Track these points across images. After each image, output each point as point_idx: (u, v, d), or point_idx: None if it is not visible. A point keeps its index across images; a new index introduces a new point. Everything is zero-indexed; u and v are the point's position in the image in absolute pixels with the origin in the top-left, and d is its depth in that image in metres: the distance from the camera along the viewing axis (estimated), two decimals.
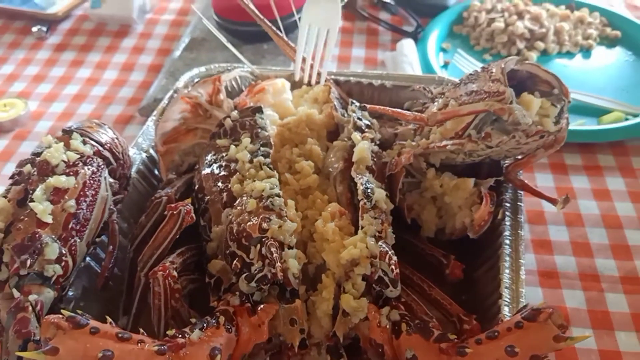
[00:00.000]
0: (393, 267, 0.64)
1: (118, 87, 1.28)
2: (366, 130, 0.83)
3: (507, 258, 0.72)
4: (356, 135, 0.79)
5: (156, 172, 0.92)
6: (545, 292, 0.86)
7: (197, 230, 0.77)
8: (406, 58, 1.32)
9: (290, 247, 0.66)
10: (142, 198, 0.86)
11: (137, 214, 0.83)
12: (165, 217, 0.72)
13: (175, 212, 0.71)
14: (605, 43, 1.43)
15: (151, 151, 0.93)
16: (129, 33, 1.44)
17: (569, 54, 1.40)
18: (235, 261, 0.65)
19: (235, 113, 0.83)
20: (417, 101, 0.90)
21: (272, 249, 0.64)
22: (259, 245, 0.65)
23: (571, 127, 1.05)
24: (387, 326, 0.62)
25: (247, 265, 0.64)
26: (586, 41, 1.41)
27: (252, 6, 1.02)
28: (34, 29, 1.43)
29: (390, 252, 0.65)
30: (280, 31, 1.01)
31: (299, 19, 0.95)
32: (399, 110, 0.78)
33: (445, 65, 1.36)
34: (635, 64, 1.36)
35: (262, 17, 0.99)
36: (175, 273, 0.66)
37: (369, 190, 0.72)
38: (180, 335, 0.56)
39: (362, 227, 0.67)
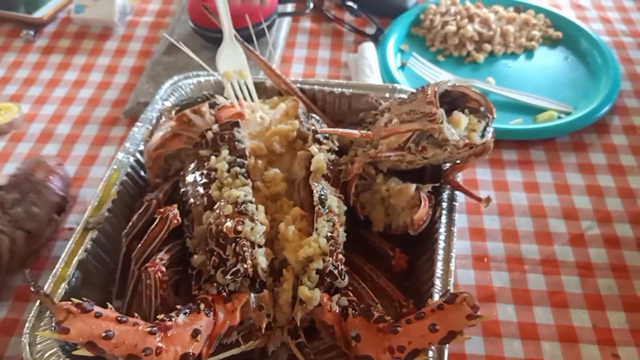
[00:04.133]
0: (339, 263, 0.75)
1: (103, 89, 1.34)
2: (324, 141, 0.96)
3: (441, 252, 0.83)
4: (314, 148, 0.88)
5: (143, 173, 0.99)
6: (476, 273, 1.01)
7: (182, 228, 0.84)
8: (366, 61, 1.45)
9: (259, 246, 0.75)
10: (132, 200, 0.94)
11: (127, 212, 0.92)
12: (154, 219, 0.86)
13: (163, 216, 0.83)
14: (547, 44, 1.57)
15: (138, 155, 0.99)
16: (111, 35, 1.49)
17: (514, 55, 1.54)
18: (213, 257, 0.74)
19: (215, 126, 0.91)
20: (370, 112, 1.01)
21: (245, 248, 0.73)
22: (233, 244, 0.74)
23: (508, 125, 1.22)
24: (337, 310, 0.72)
25: (223, 260, 0.73)
26: (529, 42, 1.55)
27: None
28: (22, 32, 1.46)
29: (338, 251, 0.76)
30: (252, 39, 1.11)
31: (267, 27, 1.07)
32: (347, 130, 0.89)
33: (402, 67, 1.49)
34: (572, 64, 1.50)
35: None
36: (163, 268, 0.78)
37: (323, 197, 0.82)
38: (168, 319, 0.66)
39: (316, 229, 0.77)
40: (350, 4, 1.63)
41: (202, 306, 0.74)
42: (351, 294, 0.75)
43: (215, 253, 0.76)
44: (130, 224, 0.87)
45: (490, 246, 1.03)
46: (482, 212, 1.11)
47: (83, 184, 1.10)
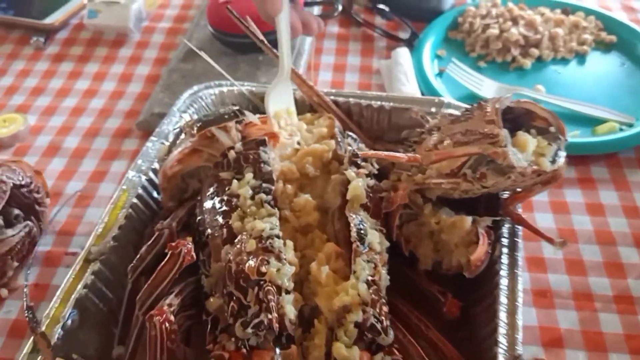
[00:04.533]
0: (383, 315, 0.65)
1: (116, 99, 1.25)
2: (362, 164, 0.83)
3: (504, 300, 0.72)
4: (350, 172, 0.78)
5: (155, 194, 0.90)
6: (539, 312, 0.87)
7: (197, 263, 0.77)
8: (401, 67, 1.32)
9: (287, 292, 0.65)
10: (142, 225, 0.84)
11: (136, 240, 0.82)
12: (165, 253, 0.73)
13: (175, 252, 0.71)
14: (600, 48, 1.42)
15: (151, 174, 0.91)
16: (126, 42, 1.43)
17: (564, 60, 1.40)
18: (232, 302, 0.65)
19: (239, 145, 0.81)
20: (415, 130, 0.88)
21: (270, 295, 0.64)
22: (256, 288, 0.65)
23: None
24: None
25: (244, 307, 0.64)
26: (581, 47, 1.40)
27: (250, 21, 1.01)
28: (32, 39, 1.42)
29: (381, 301, 0.66)
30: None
31: None
32: (391, 153, 0.77)
33: (440, 74, 1.36)
34: (629, 70, 1.35)
35: (254, 29, 0.98)
36: (172, 317, 0.67)
37: (362, 232, 0.71)
38: None
39: (354, 272, 0.67)
40: (381, 6, 1.50)
41: None
42: (397, 352, 0.66)
43: (234, 298, 0.66)
44: (138, 256, 0.77)
45: (552, 279, 0.90)
46: (540, 239, 0.96)
47: (91, 202, 1.02)
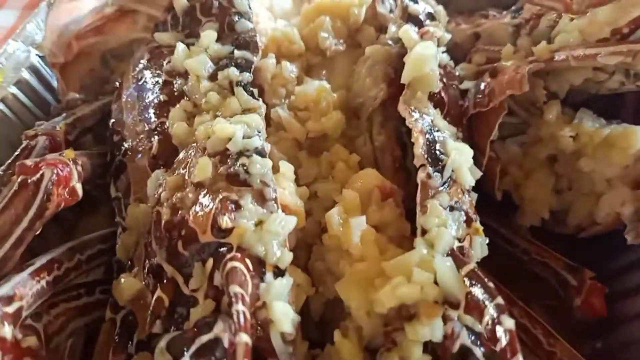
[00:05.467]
0: (504, 343, 0.33)
1: None
2: (427, 22, 0.48)
3: None
4: (409, 31, 0.46)
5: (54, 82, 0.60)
6: None
7: (111, 204, 0.46)
8: None
9: (279, 273, 0.36)
10: (22, 130, 0.51)
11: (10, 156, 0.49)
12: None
13: (31, 180, 0.38)
14: None
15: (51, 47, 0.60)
16: None
17: None
18: (160, 289, 0.37)
19: None
20: None
21: (238, 278, 0.33)
22: (210, 262, 0.35)
23: None
24: None
25: (181, 301, 0.36)
26: None
27: None
28: None
29: (493, 303, 0.34)
30: None
31: None
32: None
33: None
34: None
35: None
36: (6, 331, 0.32)
37: (437, 148, 0.41)
38: None
39: (425, 231, 0.37)
40: None
41: None
42: None
43: (165, 279, 0.37)
44: None
45: None
46: None
47: None
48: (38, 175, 0.38)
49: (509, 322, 0.34)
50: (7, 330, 0.33)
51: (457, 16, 0.64)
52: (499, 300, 0.33)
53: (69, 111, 0.52)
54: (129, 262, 0.42)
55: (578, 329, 0.47)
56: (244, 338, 0.31)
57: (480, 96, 0.46)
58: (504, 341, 0.33)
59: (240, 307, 0.31)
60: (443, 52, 0.49)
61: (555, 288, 0.48)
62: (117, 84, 0.52)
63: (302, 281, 0.38)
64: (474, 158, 0.45)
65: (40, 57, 0.60)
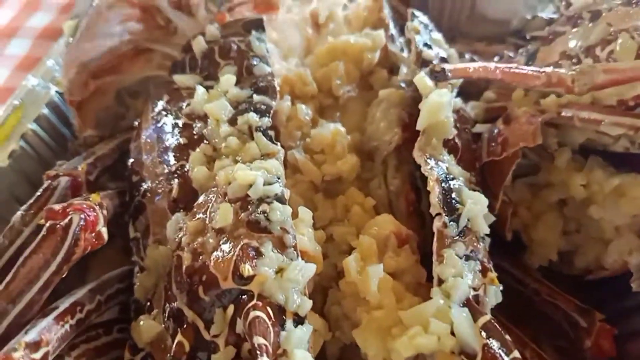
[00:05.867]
0: None
1: None
2: (440, 70, 0.48)
3: None
4: (424, 79, 0.46)
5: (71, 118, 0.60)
6: None
7: (129, 244, 0.47)
8: None
9: (299, 321, 0.36)
10: (41, 167, 0.54)
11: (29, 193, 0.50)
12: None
13: (59, 225, 0.38)
14: None
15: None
16: None
17: None
18: (180, 333, 0.37)
19: (214, 28, 0.53)
20: (536, 18, 0.57)
21: (260, 327, 0.33)
22: (231, 308, 0.36)
23: None
24: None
25: (202, 346, 0.36)
26: None
27: None
28: None
29: (506, 358, 0.34)
30: None
31: None
32: (514, 67, 0.46)
33: None
34: None
35: None
36: None
37: (453, 196, 0.41)
38: None
39: (441, 281, 0.38)
40: None
41: None
42: None
43: (184, 323, 0.37)
44: (9, 226, 0.45)
45: None
46: None
47: None
48: (67, 221, 0.39)
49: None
50: None
51: (476, 43, 0.63)
52: (516, 354, 0.33)
53: (88, 150, 0.53)
54: (148, 304, 0.43)
55: None
56: None
57: (493, 144, 0.47)
58: None
59: (264, 359, 0.31)
60: (456, 97, 0.49)
61: (566, 329, 0.48)
62: (136, 123, 0.51)
63: (320, 326, 0.38)
64: (489, 206, 0.44)
65: (59, 93, 0.59)
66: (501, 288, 0.41)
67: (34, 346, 0.34)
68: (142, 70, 0.58)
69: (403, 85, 0.52)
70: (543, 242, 0.52)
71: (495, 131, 0.48)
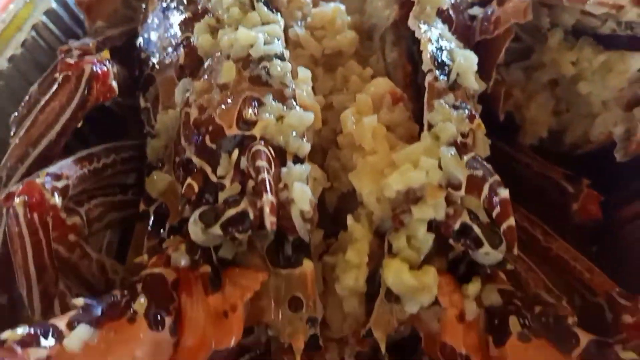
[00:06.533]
0: (499, 209, 0.37)
1: None
2: None
3: None
4: None
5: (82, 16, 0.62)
6: None
7: (140, 116, 0.50)
8: None
9: (299, 160, 0.40)
10: (50, 58, 0.56)
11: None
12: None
13: (73, 73, 0.42)
14: None
15: None
16: None
17: None
18: (189, 178, 0.40)
19: None
20: None
21: (261, 162, 0.37)
22: (236, 152, 0.39)
23: None
24: (478, 319, 0.38)
25: (210, 187, 0.40)
26: None
27: None
28: None
29: (491, 179, 0.38)
30: None
31: None
32: None
33: None
34: None
35: None
36: (56, 200, 0.37)
37: (444, 54, 0.44)
38: (42, 332, 0.31)
39: (431, 126, 0.41)
40: None
41: (140, 306, 0.34)
42: (504, 278, 0.40)
43: (194, 170, 0.41)
44: (26, 99, 0.48)
45: None
46: None
47: None
48: (79, 71, 0.41)
49: (504, 193, 0.37)
50: (58, 201, 0.37)
51: None
52: (496, 177, 0.37)
53: (98, 31, 0.54)
54: (160, 164, 0.46)
55: (576, 235, 0.51)
56: (270, 197, 0.35)
57: (486, 23, 0.49)
58: (498, 208, 0.37)
59: (265, 175, 0.35)
60: None
61: (555, 199, 0.53)
62: (143, 7, 0.53)
63: (319, 176, 0.41)
64: (482, 78, 0.47)
65: None
66: (489, 142, 0.42)
67: (56, 177, 0.38)
68: None
69: None
70: (535, 120, 0.55)
71: (489, 11, 0.49)
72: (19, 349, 0.30)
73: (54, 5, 0.61)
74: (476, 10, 0.53)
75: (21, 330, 0.31)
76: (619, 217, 0.54)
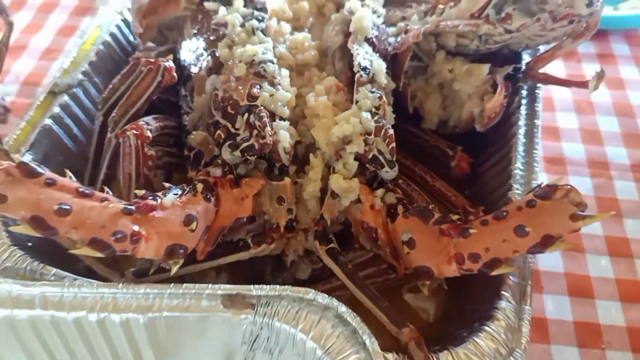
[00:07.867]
0: (389, 142, 0.57)
1: None
2: (366, 1, 0.74)
3: (521, 148, 0.65)
4: (355, 3, 0.70)
5: (132, 38, 0.82)
6: (551, 178, 0.79)
7: (178, 103, 0.70)
8: None
9: (282, 119, 0.59)
10: (115, 66, 0.77)
11: (107, 80, 0.73)
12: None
13: (153, 67, 0.62)
14: None
15: (125, 13, 0.83)
16: None
17: None
18: (218, 131, 0.59)
19: None
20: None
21: (262, 119, 0.57)
22: (247, 114, 0.58)
23: None
24: (382, 209, 0.57)
25: (232, 135, 0.58)
26: None
27: None
28: None
29: (387, 127, 0.58)
30: None
31: None
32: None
33: None
34: None
35: None
36: (149, 134, 0.59)
37: (367, 62, 0.64)
38: (151, 198, 0.49)
39: (357, 102, 0.60)
40: None
41: (200, 187, 0.54)
42: (399, 191, 0.60)
43: (220, 126, 0.60)
44: (111, 86, 0.68)
45: (566, 147, 0.87)
46: (555, 109, 0.93)
47: (57, 56, 0.94)
48: (157, 65, 0.62)
49: (391, 131, 0.58)
50: (150, 135, 0.58)
51: (394, 7, 0.82)
52: (390, 127, 0.58)
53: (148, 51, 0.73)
54: (195, 128, 0.65)
55: (454, 184, 0.68)
56: (268, 140, 0.55)
57: (397, 44, 0.69)
58: (388, 139, 0.57)
59: (266, 122, 0.55)
60: (378, 17, 0.72)
61: (441, 160, 0.71)
62: (175, 33, 0.74)
63: (293, 132, 0.60)
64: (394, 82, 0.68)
65: (122, 20, 0.82)
66: (394, 116, 0.64)
67: (146, 123, 0.59)
68: (173, 11, 0.77)
69: (346, 13, 0.72)
70: (431, 112, 0.74)
71: (399, 37, 0.70)
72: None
73: (115, 30, 0.80)
74: (391, 39, 0.72)
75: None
76: (480, 170, 0.71)
